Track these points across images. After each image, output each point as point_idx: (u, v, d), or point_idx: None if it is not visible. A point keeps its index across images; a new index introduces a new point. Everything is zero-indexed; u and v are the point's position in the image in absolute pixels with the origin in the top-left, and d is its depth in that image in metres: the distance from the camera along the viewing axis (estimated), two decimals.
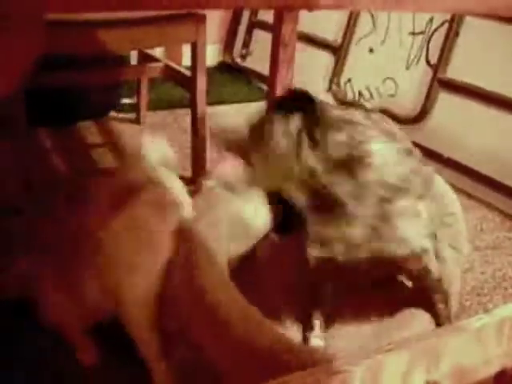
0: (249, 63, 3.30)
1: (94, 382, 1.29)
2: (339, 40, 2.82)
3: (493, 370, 1.02)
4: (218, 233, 1.44)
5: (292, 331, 1.41)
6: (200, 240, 1.42)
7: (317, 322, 1.42)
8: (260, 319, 1.28)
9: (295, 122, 1.35)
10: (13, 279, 1.44)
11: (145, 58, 2.47)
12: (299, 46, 2.04)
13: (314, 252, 1.34)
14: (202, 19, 1.94)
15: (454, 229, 1.58)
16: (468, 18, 2.33)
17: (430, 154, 2.33)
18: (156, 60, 2.43)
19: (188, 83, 2.08)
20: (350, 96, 2.75)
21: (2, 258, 1.48)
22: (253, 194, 1.48)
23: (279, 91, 1.96)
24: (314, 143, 1.37)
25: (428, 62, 2.46)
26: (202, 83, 2.04)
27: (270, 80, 1.98)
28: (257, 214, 1.49)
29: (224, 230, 1.46)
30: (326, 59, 2.88)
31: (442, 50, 2.38)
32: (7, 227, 1.63)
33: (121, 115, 2.67)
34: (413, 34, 2.52)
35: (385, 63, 2.62)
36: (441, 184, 1.72)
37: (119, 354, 1.34)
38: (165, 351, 1.30)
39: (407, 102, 2.50)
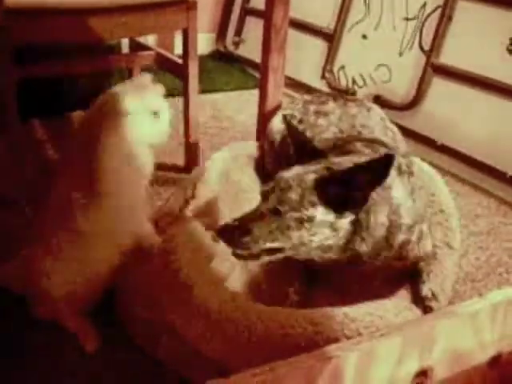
0: (242, 51, 3.28)
1: (92, 368, 1.29)
2: (332, 26, 2.80)
3: (487, 354, 1.02)
4: None
5: None
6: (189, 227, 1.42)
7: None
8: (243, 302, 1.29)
9: None
10: (13, 271, 1.43)
11: (136, 47, 2.45)
12: (292, 33, 2.03)
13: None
14: (192, 5, 1.92)
15: (448, 226, 1.59)
16: (461, 3, 2.31)
17: (424, 140, 2.33)
18: (148, 48, 2.41)
19: (180, 71, 2.07)
20: (343, 83, 2.74)
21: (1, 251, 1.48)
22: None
23: (272, 79, 1.95)
24: None
25: (421, 47, 2.45)
26: (193, 71, 2.02)
27: (262, 67, 1.97)
28: None
29: None
30: (319, 46, 2.86)
31: (435, 36, 2.37)
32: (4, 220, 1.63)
33: None
34: (406, 19, 2.51)
35: (378, 49, 2.61)
36: (436, 182, 1.74)
37: (115, 341, 1.34)
38: (149, 342, 1.30)
39: (401, 88, 2.49)
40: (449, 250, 1.52)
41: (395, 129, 1.68)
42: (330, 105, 1.70)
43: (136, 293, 1.36)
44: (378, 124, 1.63)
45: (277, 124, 1.80)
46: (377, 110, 1.72)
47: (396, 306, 1.27)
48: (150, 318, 1.31)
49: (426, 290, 1.39)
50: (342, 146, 1.46)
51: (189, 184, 1.65)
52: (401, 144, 1.63)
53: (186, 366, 1.25)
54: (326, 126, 1.65)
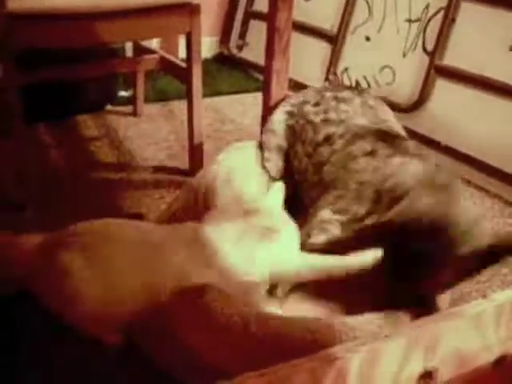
0: (245, 54, 3.29)
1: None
2: (335, 29, 2.80)
3: (492, 355, 1.02)
4: None
5: None
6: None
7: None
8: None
9: None
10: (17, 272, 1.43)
11: (140, 50, 2.46)
12: (295, 35, 2.03)
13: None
14: (196, 9, 1.93)
15: None
16: (464, 5, 2.31)
17: (428, 142, 2.33)
18: (152, 52, 2.42)
19: (183, 75, 2.07)
20: (347, 85, 2.74)
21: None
22: None
23: (275, 81, 1.95)
24: None
25: (425, 49, 2.45)
26: (197, 74, 2.03)
27: (266, 70, 1.97)
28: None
29: None
30: (322, 48, 2.87)
31: (439, 37, 2.36)
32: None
33: (118, 108, 2.67)
34: (409, 21, 2.51)
35: (381, 51, 2.61)
36: None
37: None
38: (152, 352, 1.30)
39: (405, 89, 2.49)
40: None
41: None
42: (347, 92, 1.57)
43: None
44: (396, 122, 1.56)
45: (279, 114, 1.71)
46: (386, 105, 1.65)
47: (394, 317, 1.27)
48: (151, 321, 1.30)
49: None
50: (388, 140, 1.36)
51: (198, 194, 1.60)
52: None
53: (186, 370, 1.24)
54: (351, 112, 1.50)
